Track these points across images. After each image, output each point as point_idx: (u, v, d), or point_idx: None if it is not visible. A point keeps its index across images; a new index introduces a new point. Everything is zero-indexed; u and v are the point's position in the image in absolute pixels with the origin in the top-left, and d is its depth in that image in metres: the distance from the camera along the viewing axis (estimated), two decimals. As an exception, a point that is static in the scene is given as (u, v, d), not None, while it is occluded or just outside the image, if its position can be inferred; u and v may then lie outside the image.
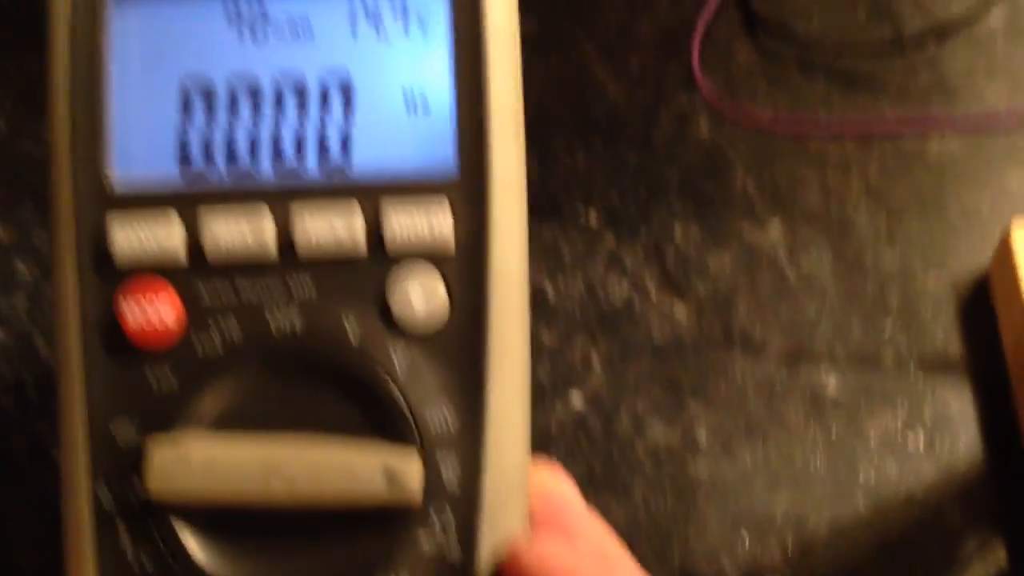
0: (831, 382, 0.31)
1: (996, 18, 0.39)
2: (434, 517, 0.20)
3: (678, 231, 0.35)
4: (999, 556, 0.29)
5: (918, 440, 0.30)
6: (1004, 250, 0.32)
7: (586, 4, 0.42)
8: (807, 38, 0.40)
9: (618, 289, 0.34)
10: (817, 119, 0.37)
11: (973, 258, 0.34)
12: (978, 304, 0.33)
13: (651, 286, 0.34)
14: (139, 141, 0.21)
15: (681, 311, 0.33)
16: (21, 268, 0.35)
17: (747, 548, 0.29)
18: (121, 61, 0.22)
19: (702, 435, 0.30)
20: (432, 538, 0.20)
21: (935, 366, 0.31)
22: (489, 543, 0.20)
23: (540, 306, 0.33)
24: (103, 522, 0.20)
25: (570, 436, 0.30)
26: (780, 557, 0.29)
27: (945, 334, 0.32)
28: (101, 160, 0.21)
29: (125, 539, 0.20)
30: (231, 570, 0.20)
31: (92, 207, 0.21)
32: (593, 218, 0.36)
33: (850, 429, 0.30)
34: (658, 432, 0.30)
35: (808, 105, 0.38)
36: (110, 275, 0.21)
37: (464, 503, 0.20)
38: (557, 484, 0.21)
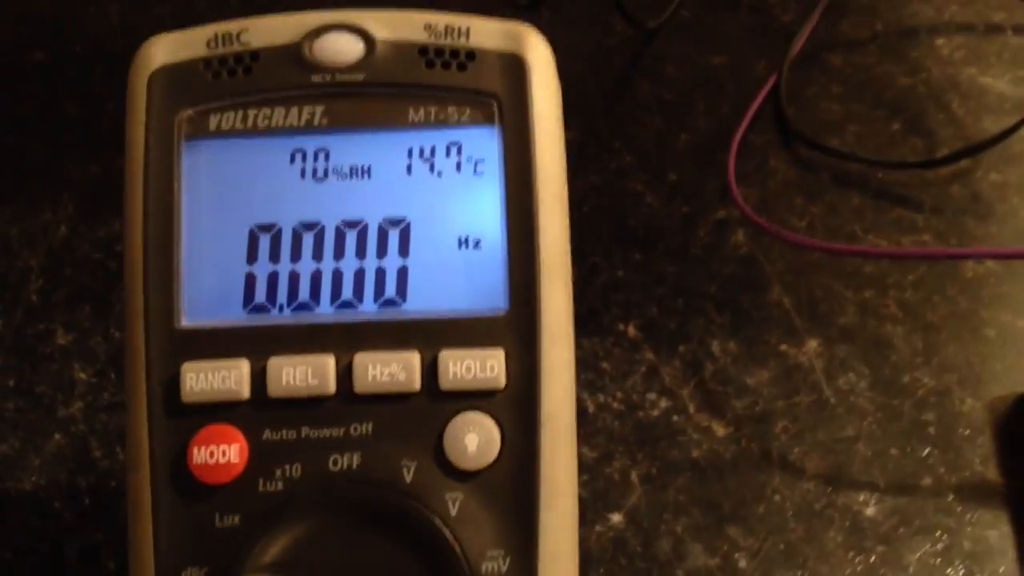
0: (870, 506, 0.31)
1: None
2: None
3: (716, 346, 0.36)
4: None
5: (957, 572, 0.30)
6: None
7: (624, 115, 0.43)
8: (841, 152, 0.41)
9: (657, 404, 0.34)
10: (851, 236, 0.38)
11: (1011, 379, 0.34)
12: (1017, 428, 0.33)
13: (689, 402, 0.34)
14: (207, 286, 0.23)
15: (720, 428, 0.34)
16: (79, 372, 0.36)
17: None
18: (192, 206, 0.23)
19: (742, 560, 0.30)
20: None
21: (973, 493, 0.31)
22: None
23: (579, 420, 0.33)
24: None
25: (610, 558, 0.31)
26: None
27: (983, 459, 0.32)
28: (172, 305, 0.22)
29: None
30: None
31: (163, 350, 0.22)
32: (632, 330, 0.36)
33: (889, 557, 0.30)
34: (698, 555, 0.31)
35: (843, 218, 0.39)
36: (179, 414, 0.22)
37: None
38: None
